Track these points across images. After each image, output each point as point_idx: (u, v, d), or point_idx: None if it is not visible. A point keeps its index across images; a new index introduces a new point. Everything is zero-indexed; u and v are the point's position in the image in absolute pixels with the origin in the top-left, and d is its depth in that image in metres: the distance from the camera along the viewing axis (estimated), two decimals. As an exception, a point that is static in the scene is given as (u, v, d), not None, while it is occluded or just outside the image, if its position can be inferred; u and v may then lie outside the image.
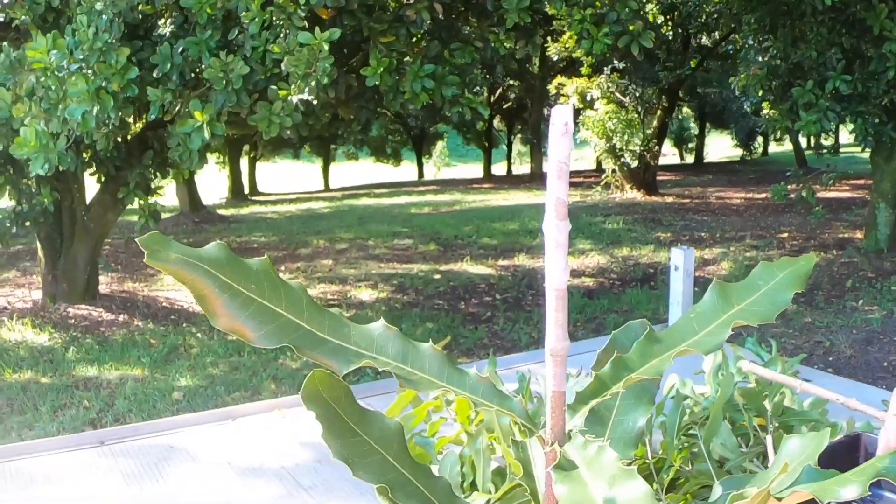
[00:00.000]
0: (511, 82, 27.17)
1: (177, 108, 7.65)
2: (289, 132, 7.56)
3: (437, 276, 12.40)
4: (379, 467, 0.81)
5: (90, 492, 3.51)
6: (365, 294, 11.38)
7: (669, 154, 35.93)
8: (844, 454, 1.67)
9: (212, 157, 26.69)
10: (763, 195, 18.89)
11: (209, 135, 7.24)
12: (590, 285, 11.70)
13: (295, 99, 7.33)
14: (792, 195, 13.40)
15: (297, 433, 3.79)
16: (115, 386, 7.89)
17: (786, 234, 14.47)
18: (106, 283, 12.06)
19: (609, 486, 0.68)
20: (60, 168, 7.30)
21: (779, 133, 13.61)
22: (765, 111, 12.61)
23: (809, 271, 0.93)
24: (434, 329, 9.23)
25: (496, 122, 31.13)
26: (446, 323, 9.59)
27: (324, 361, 0.75)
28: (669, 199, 19.79)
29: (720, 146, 37.54)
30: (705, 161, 32.52)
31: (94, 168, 9.49)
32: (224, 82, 7.10)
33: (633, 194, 19.94)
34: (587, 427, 0.94)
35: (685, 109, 29.78)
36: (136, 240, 0.85)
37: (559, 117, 0.81)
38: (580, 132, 18.98)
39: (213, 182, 27.42)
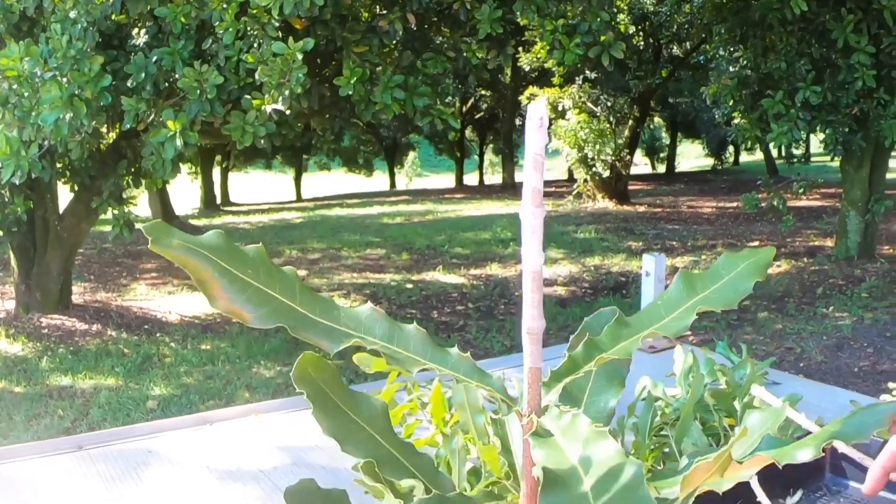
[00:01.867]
0: (483, 92, 27.29)
1: (150, 118, 7.68)
2: (262, 142, 7.59)
3: (410, 286, 12.45)
4: (366, 443, 0.85)
5: (69, 496, 3.53)
6: (338, 303, 11.40)
7: (641, 164, 36.15)
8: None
9: (184, 168, 26.63)
10: (734, 204, 19.04)
11: (182, 144, 7.27)
12: (562, 294, 11.77)
13: (269, 108, 7.36)
14: (763, 204, 13.53)
15: (273, 437, 3.81)
16: (90, 395, 7.88)
17: (757, 242, 14.61)
18: (79, 293, 12.03)
19: (583, 447, 0.73)
20: (32, 175, 7.31)
21: (749, 143, 13.70)
22: (735, 121, 12.73)
23: (770, 261, 0.99)
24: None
25: (468, 133, 31.26)
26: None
27: (316, 341, 0.80)
28: (641, 209, 19.91)
29: (692, 155, 37.81)
30: (677, 171, 32.77)
31: (68, 177, 9.48)
32: (198, 92, 7.14)
33: (604, 203, 20.06)
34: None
35: (657, 119, 29.99)
36: (141, 227, 0.89)
37: (535, 112, 0.86)
38: (552, 142, 19.07)
39: (185, 192, 27.36)
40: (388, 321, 0.85)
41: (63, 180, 9.56)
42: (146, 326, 10.41)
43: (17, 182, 7.37)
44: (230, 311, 0.80)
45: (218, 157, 26.97)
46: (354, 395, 0.91)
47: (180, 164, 8.68)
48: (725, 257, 0.98)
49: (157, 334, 10.03)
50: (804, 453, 0.81)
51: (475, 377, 0.84)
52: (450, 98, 15.22)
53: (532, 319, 0.83)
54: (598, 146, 18.26)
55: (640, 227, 16.84)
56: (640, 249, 14.16)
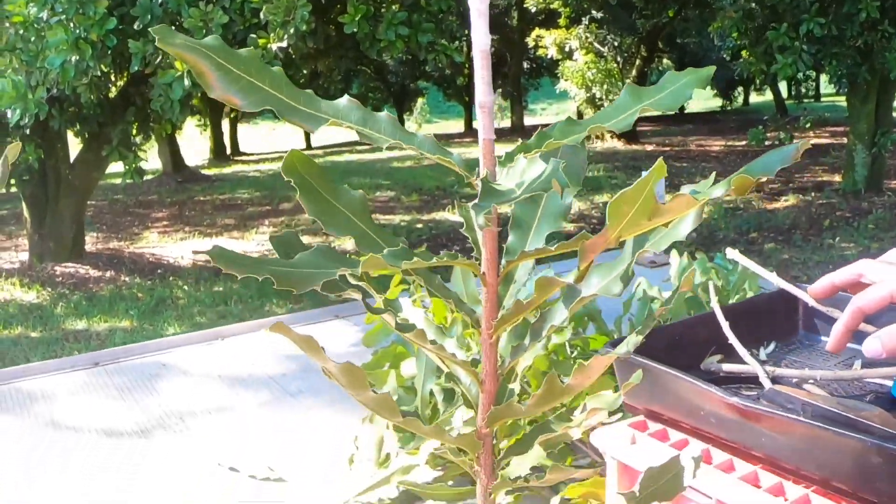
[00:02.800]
0: (490, 36, 27.17)
1: (157, 60, 7.73)
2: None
3: (420, 226, 12.53)
4: (345, 224, 0.94)
5: (85, 405, 3.66)
6: (348, 244, 11.48)
7: (651, 106, 36.01)
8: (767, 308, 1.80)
9: (193, 120, 26.68)
10: (743, 143, 19.01)
11: (190, 84, 7.34)
12: (570, 230, 11.82)
13: (274, 47, 7.42)
14: (769, 141, 13.55)
15: (283, 348, 3.93)
16: (105, 337, 8.02)
17: (764, 179, 14.59)
18: (92, 242, 12.15)
19: (521, 175, 0.83)
20: (40, 117, 7.38)
21: (756, 78, 13.67)
22: (742, 55, 12.72)
23: (710, 77, 1.07)
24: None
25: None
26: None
27: (299, 123, 0.89)
28: (650, 148, 19.92)
29: (702, 97, 37.66)
30: (686, 112, 32.66)
31: (78, 126, 9.56)
32: (203, 32, 7.19)
33: (613, 143, 20.06)
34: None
35: (665, 60, 29.84)
36: (149, 29, 0.97)
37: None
38: (560, 83, 19.07)
39: (194, 144, 27.42)
40: (362, 110, 0.93)
41: (73, 129, 9.64)
42: (159, 271, 10.53)
43: (26, 125, 7.45)
44: (224, 98, 0.88)
45: (227, 109, 26.95)
46: (336, 186, 0.99)
47: (190, 110, 8.74)
48: (669, 74, 1.06)
49: (171, 278, 10.15)
50: (718, 191, 0.89)
51: (437, 152, 0.93)
52: (457, 41, 15.18)
53: (483, 94, 0.91)
54: (605, 86, 18.25)
55: (648, 165, 16.70)
56: (649, 187, 14.21)
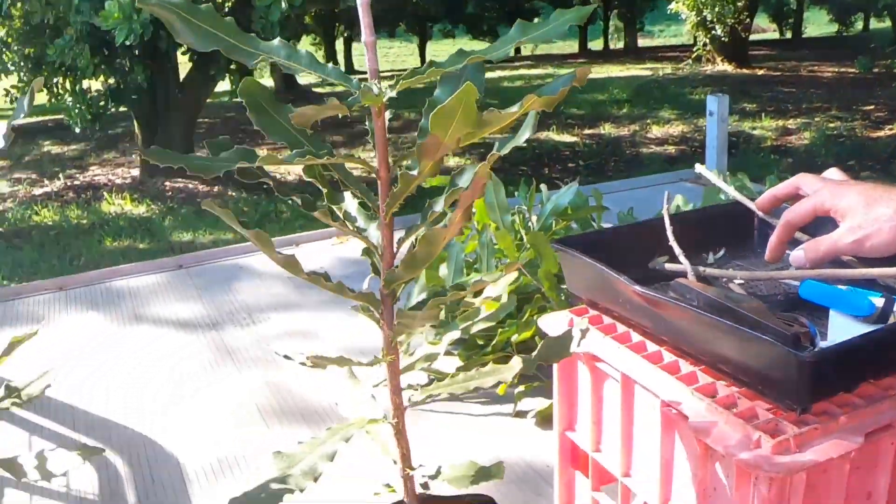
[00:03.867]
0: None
1: (258, -18, 8.02)
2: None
3: (524, 145, 12.70)
4: (283, 133, 1.22)
5: (167, 302, 4.05)
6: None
7: (770, 30, 35.25)
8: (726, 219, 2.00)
9: (307, 39, 27.08)
10: (855, 70, 18.63)
11: (287, 6, 7.61)
12: (671, 153, 11.91)
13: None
14: (877, 69, 13.32)
15: (350, 254, 4.25)
16: (209, 248, 8.44)
17: (871, 107, 14.39)
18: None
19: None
20: (145, 37, 7.72)
21: (879, 4, 13.38)
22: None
23: (588, 14, 1.29)
24: (511, 193, 9.60)
25: (592, -2, 30.93)
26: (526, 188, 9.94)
27: (238, 57, 1.16)
28: (760, 72, 19.63)
29: (822, 22, 36.63)
30: (803, 36, 31.88)
31: (185, 47, 9.92)
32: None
33: (723, 67, 19.83)
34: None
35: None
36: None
37: None
38: (671, 5, 18.88)
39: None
40: (287, 48, 1.20)
41: (181, 49, 10.01)
42: (265, 187, 10.91)
43: (133, 45, 7.79)
44: (186, 42, 1.15)
45: (340, 27, 27.24)
46: (279, 106, 1.27)
47: (298, 30, 8.98)
48: (556, 12, 1.29)
49: (276, 194, 10.52)
50: (514, 107, 1.12)
51: (341, 79, 1.19)
52: None
53: (366, 31, 1.16)
54: (717, 8, 18.00)
55: (756, 89, 16.68)
56: (754, 111, 14.12)
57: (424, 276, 3.02)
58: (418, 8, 26.02)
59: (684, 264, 1.76)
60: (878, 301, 1.54)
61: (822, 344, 1.49)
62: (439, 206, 1.23)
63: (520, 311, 2.91)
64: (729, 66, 19.76)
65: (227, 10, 9.65)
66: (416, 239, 1.21)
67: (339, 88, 1.21)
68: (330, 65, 1.22)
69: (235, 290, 4.13)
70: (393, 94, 1.15)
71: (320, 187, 1.39)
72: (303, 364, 1.66)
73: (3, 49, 9.69)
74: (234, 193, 10.66)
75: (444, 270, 3.06)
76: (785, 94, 16.07)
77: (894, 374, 1.46)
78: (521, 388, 2.79)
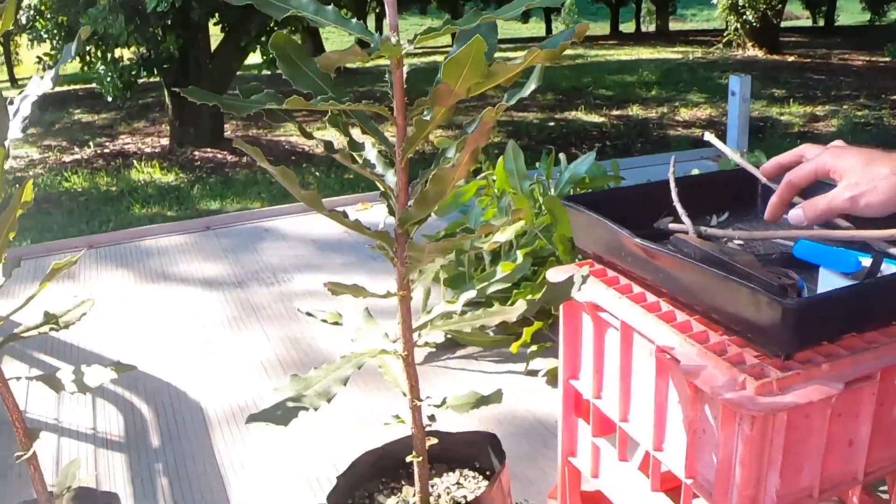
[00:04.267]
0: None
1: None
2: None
3: (552, 124, 12.74)
4: (309, 82, 1.31)
5: (194, 262, 4.17)
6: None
7: (803, 17, 35.03)
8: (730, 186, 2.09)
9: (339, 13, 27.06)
10: (888, 59, 18.54)
11: (319, -22, 7.68)
12: (698, 135, 11.91)
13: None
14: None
15: (375, 219, 4.35)
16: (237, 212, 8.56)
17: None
18: (231, 130, 12.73)
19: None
20: (176, 5, 7.81)
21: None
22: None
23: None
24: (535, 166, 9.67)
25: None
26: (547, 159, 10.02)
27: (268, 10, 1.25)
28: (790, 59, 19.57)
29: (856, 10, 36.38)
30: (836, 24, 31.68)
31: (217, 17, 10.01)
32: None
33: (754, 52, 19.78)
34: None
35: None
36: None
37: None
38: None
39: (339, 38, 27.87)
40: (315, 4, 1.29)
41: (213, 20, 10.08)
42: (293, 158, 11.03)
43: (164, 13, 7.88)
44: (221, -6, 1.25)
45: (372, 3, 27.26)
46: (308, 58, 1.36)
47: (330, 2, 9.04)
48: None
49: (304, 165, 10.63)
50: (517, 59, 1.21)
51: (365, 34, 1.29)
52: None
53: None
54: (749, -8, 17.96)
55: (785, 75, 16.64)
56: (782, 97, 14.10)
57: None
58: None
59: (686, 224, 1.85)
60: (867, 260, 1.62)
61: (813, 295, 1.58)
62: (451, 151, 1.33)
63: (535, 274, 3.01)
64: (759, 52, 19.70)
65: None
66: (426, 179, 1.30)
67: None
68: (354, 20, 1.32)
69: (261, 251, 4.24)
70: (411, 47, 1.24)
71: (342, 136, 1.49)
72: (319, 316, 1.76)
73: (37, 17, 9.81)
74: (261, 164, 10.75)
75: (464, 234, 3.17)
76: (814, 81, 16.04)
77: (879, 328, 1.54)
78: (534, 347, 2.89)
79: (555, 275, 1.85)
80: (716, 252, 1.58)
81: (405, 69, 1.33)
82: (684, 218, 1.87)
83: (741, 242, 1.84)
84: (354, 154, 1.44)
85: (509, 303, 2.97)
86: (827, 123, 12.36)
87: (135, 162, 10.75)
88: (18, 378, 1.53)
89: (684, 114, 13.41)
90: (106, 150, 11.75)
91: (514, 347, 2.95)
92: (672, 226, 1.90)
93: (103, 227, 7.99)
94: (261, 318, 3.52)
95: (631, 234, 1.65)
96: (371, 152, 1.48)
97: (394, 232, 1.40)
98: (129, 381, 3.04)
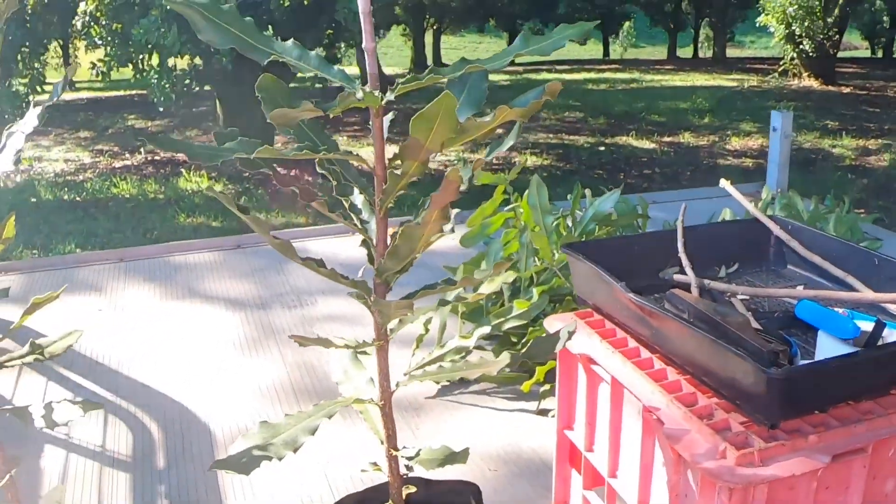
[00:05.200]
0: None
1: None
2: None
3: (602, 149, 12.68)
4: (297, 130, 1.31)
5: (221, 280, 4.18)
6: (529, 160, 11.72)
7: (861, 47, 34.61)
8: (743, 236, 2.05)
9: (397, 30, 27.24)
10: (947, 93, 18.26)
11: (370, -2, 7.71)
12: (748, 165, 11.79)
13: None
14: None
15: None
16: (279, 230, 8.58)
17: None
18: (282, 142, 12.78)
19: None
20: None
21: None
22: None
23: (590, 29, 1.36)
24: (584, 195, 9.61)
25: (684, 5, 30.63)
26: (602, 192, 9.94)
27: (252, 56, 1.25)
28: (846, 90, 19.33)
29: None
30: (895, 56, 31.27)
31: (272, 30, 10.05)
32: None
33: (809, 83, 19.56)
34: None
35: (877, 1, 28.53)
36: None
37: None
38: (761, 17, 18.68)
39: (398, 54, 27.94)
40: (300, 49, 1.28)
41: (267, 33, 10.12)
42: (320, 180, 11.03)
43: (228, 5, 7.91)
44: (207, 40, 1.24)
45: (431, 20, 27.32)
46: (293, 103, 1.35)
47: (388, 21, 9.05)
48: (561, 26, 1.36)
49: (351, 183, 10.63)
50: (486, 118, 1.19)
51: (346, 82, 1.27)
52: None
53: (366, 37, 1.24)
54: (806, 23, 17.77)
55: (839, 107, 16.44)
56: (835, 129, 13.92)
57: (462, 271, 3.10)
58: (509, 5, 26.02)
59: (690, 276, 1.82)
60: (867, 324, 1.58)
61: (804, 363, 1.54)
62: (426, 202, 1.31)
63: (553, 310, 2.98)
64: (815, 82, 19.48)
65: (309, 1, 9.79)
66: (396, 233, 1.29)
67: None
68: (336, 67, 1.31)
69: (288, 272, 4.24)
70: (391, 97, 1.23)
71: (331, 179, 1.48)
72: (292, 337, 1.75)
73: (92, 23, 9.90)
74: (310, 178, 10.79)
75: (484, 266, 3.14)
76: (868, 114, 15.81)
77: (875, 397, 1.50)
78: (546, 386, 2.86)
79: (553, 325, 1.83)
80: (710, 311, 1.55)
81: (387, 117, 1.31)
82: (688, 270, 1.84)
83: (745, 297, 1.80)
84: (343, 199, 1.43)
85: (524, 340, 2.95)
86: (879, 158, 12.17)
87: (184, 171, 10.81)
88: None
89: (735, 143, 13.29)
90: (156, 158, 11.84)
91: (525, 386, 2.91)
92: (676, 277, 1.86)
93: (147, 234, 8.03)
94: (279, 340, 3.51)
95: (625, 288, 1.62)
96: (358, 197, 1.47)
97: (372, 281, 1.38)
98: (141, 399, 3.04)
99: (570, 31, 1.31)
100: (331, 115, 1.23)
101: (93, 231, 8.12)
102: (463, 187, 1.23)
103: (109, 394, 3.13)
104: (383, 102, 1.24)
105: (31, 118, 1.47)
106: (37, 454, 2.72)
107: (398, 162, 1.29)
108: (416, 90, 1.30)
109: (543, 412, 2.85)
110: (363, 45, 1.27)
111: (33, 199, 9.25)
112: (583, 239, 3.19)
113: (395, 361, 1.66)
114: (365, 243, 1.41)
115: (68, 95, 20.25)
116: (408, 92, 1.27)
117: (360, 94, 1.19)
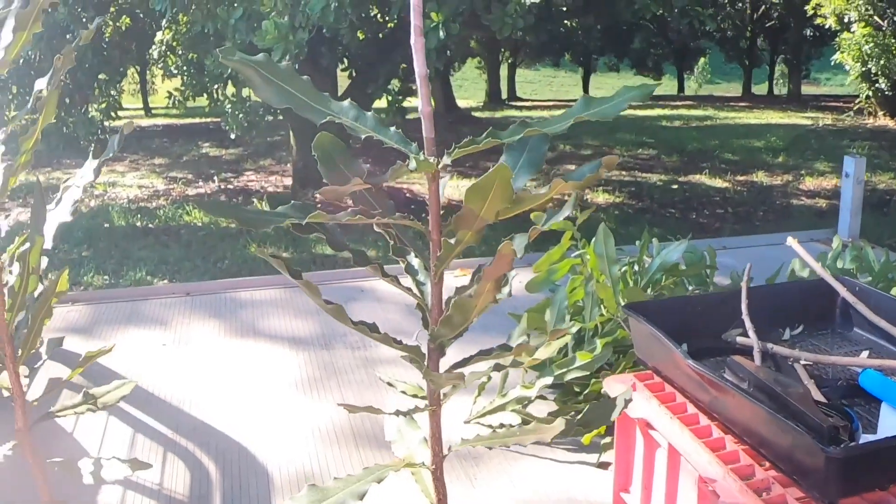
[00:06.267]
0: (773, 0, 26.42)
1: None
2: (521, 33, 7.95)
3: (675, 186, 12.57)
4: (354, 193, 1.31)
5: (283, 318, 4.21)
6: (601, 198, 11.67)
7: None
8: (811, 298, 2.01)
9: (472, 62, 27.35)
10: None
11: (444, 34, 7.75)
12: (822, 206, 11.62)
13: (528, 2, 7.72)
14: None
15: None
16: (349, 265, 8.61)
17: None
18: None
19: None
20: (300, 57, 7.95)
21: None
22: None
23: (652, 92, 1.34)
24: (659, 235, 9.51)
25: (759, 41, 30.38)
26: (674, 231, 9.84)
27: (308, 116, 1.25)
28: (922, 130, 19.00)
29: None
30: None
31: (346, 63, 10.14)
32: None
33: (885, 121, 19.26)
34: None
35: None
36: (216, 50, 1.36)
37: None
38: (836, 55, 18.44)
39: (473, 86, 27.98)
40: (356, 109, 1.28)
41: (341, 66, 10.21)
42: (412, 206, 11.06)
43: (286, 62, 8.02)
44: (264, 98, 1.25)
45: (506, 53, 27.38)
46: (352, 161, 1.35)
47: (450, 56, 9.08)
48: (624, 87, 1.34)
49: (423, 214, 10.65)
50: (543, 189, 1.17)
51: (402, 144, 1.27)
52: (711, 8, 14.81)
53: (420, 65, 1.24)
54: (881, 61, 17.49)
55: (917, 146, 16.16)
56: (911, 171, 13.68)
57: (526, 320, 3.08)
58: (584, 41, 25.98)
59: (752, 339, 1.78)
60: (935, 399, 1.54)
61: (867, 438, 1.50)
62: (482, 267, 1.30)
63: (617, 361, 2.95)
64: (890, 122, 19.18)
65: (384, 34, 9.86)
66: (450, 304, 1.28)
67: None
68: (392, 129, 1.30)
69: (352, 311, 4.21)
70: (447, 161, 1.22)
71: (389, 240, 1.47)
72: (340, 405, 1.75)
73: (169, 53, 10.08)
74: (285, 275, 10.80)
75: (549, 315, 3.12)
76: (944, 160, 15.52)
77: (942, 474, 1.45)
78: (608, 439, 2.82)
79: (612, 386, 1.81)
80: (770, 382, 1.52)
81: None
82: (751, 333, 1.81)
83: (808, 363, 1.77)
84: (400, 260, 1.42)
85: (587, 391, 2.91)
86: (950, 200, 11.94)
87: (256, 200, 10.92)
88: (49, 460, 1.54)
89: (809, 183, 13.11)
90: (230, 186, 11.97)
91: (586, 439, 2.88)
92: (739, 340, 1.83)
93: (218, 264, 8.12)
94: (341, 382, 3.52)
95: (685, 354, 1.60)
96: (415, 259, 1.46)
97: (426, 346, 1.37)
98: (200, 438, 3.06)
99: (632, 93, 1.29)
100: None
101: (164, 258, 8.21)
102: (519, 256, 1.22)
103: (169, 430, 3.15)
104: (439, 167, 1.23)
105: (88, 172, 1.49)
106: (93, 492, 2.74)
107: (453, 228, 1.28)
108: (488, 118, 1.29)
109: (604, 465, 2.81)
110: (419, 109, 1.26)
111: (106, 225, 9.38)
112: (649, 289, 3.16)
113: (457, 407, 1.64)
114: (419, 307, 1.41)
115: (144, 122, 20.60)
116: (466, 151, 1.26)
117: (413, 165, 1.18)
